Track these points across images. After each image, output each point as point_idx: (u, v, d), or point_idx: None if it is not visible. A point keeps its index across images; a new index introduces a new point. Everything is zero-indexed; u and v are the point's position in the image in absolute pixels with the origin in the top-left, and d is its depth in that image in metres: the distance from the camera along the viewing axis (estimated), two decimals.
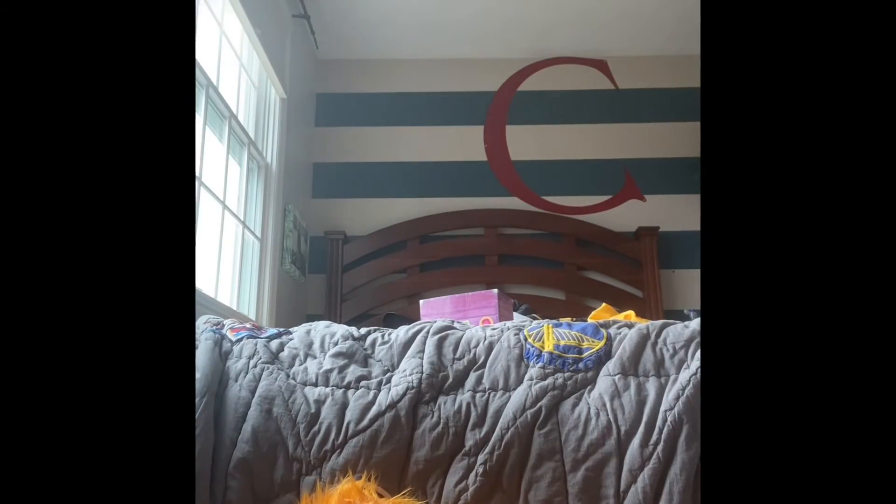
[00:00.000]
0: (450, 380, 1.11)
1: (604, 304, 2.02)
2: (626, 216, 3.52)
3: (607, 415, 1.04)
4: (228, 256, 2.55)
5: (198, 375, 1.09)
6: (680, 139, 3.60)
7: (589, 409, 1.05)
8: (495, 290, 1.64)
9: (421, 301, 1.71)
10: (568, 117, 3.68)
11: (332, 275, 3.39)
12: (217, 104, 2.33)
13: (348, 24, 3.45)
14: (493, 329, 1.21)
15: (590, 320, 1.37)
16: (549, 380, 1.08)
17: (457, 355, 1.15)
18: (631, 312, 1.73)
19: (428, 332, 1.21)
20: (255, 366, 1.15)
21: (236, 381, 1.13)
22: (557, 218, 3.50)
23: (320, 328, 1.29)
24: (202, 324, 1.27)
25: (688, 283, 3.43)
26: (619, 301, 3.25)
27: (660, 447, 1.00)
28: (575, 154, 3.63)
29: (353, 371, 1.14)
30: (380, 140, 3.66)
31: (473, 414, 1.07)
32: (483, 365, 1.13)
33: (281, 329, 1.31)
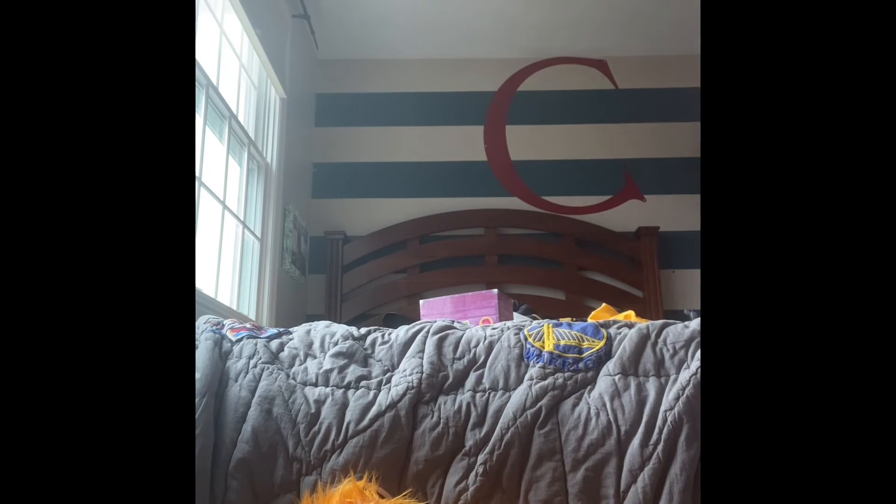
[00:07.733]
0: (450, 380, 1.11)
1: (604, 304, 2.02)
2: (626, 216, 3.52)
3: (607, 415, 1.04)
4: (228, 256, 2.54)
5: (198, 375, 1.09)
6: (680, 139, 3.60)
7: (589, 408, 1.05)
8: (495, 290, 1.64)
9: (421, 301, 1.71)
10: (568, 117, 3.68)
11: (332, 275, 3.39)
12: (217, 104, 2.32)
13: (348, 24, 3.45)
14: (493, 329, 1.21)
15: (590, 320, 1.37)
16: (550, 380, 1.08)
17: (457, 355, 1.15)
18: (631, 312, 1.73)
19: (428, 331, 1.21)
20: (255, 366, 1.15)
21: (236, 381, 1.13)
22: (557, 218, 3.50)
23: (320, 328, 1.29)
24: (202, 324, 1.26)
25: (688, 283, 3.43)
26: (619, 301, 3.25)
27: (660, 447, 1.00)
28: (575, 154, 3.63)
29: (353, 371, 1.14)
30: (380, 140, 3.66)
31: (473, 414, 1.07)
32: (483, 365, 1.13)
33: (281, 329, 1.31)
